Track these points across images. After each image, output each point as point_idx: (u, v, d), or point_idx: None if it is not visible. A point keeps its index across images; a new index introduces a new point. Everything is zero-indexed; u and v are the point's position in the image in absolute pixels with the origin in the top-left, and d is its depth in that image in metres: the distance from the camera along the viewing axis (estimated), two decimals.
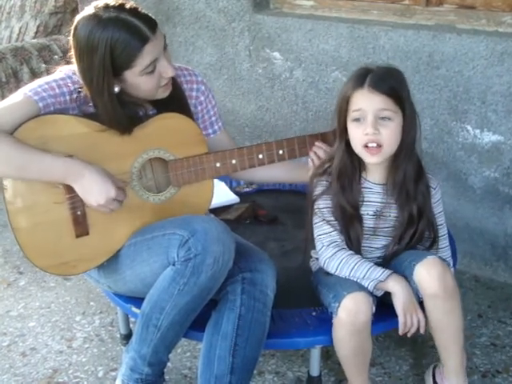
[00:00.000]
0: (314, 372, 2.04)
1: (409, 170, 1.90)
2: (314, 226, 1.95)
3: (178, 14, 3.36)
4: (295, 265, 2.24)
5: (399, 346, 2.39)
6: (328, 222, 1.93)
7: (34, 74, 3.39)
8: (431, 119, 2.74)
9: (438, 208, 2.00)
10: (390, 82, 1.85)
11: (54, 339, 2.49)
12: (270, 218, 2.57)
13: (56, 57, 3.51)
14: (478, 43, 2.55)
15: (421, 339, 2.36)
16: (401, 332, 1.84)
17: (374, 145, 1.83)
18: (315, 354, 2.00)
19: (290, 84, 3.11)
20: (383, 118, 1.83)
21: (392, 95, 1.83)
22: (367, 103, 1.82)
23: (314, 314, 1.99)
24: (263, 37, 3.11)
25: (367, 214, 1.94)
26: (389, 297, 1.86)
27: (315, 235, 1.95)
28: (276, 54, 3.10)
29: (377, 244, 1.98)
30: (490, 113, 2.60)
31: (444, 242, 2.02)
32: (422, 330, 1.84)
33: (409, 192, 1.91)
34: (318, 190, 1.96)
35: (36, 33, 3.82)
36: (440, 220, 2.00)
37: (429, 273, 1.82)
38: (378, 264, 1.94)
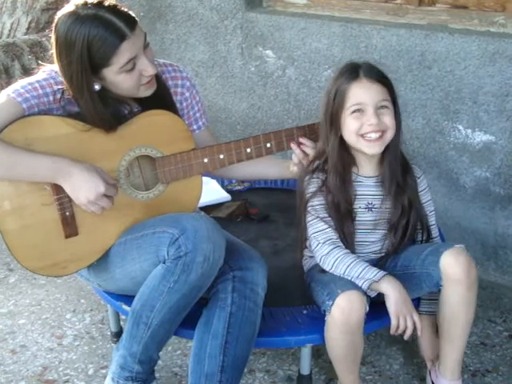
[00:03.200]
0: (305, 370, 2.04)
1: (397, 163, 1.93)
2: (308, 224, 1.95)
3: (170, 11, 3.35)
4: (287, 263, 2.24)
5: (390, 344, 2.39)
6: (322, 219, 1.93)
7: (26, 71, 3.37)
8: (423, 119, 2.75)
9: (425, 197, 2.02)
10: (381, 72, 1.89)
11: (44, 336, 2.48)
12: (261, 216, 2.57)
13: (47, 53, 3.49)
14: (470, 43, 2.55)
15: (411, 338, 2.36)
16: (392, 332, 1.83)
17: (377, 135, 1.85)
18: (306, 352, 2.01)
19: (282, 82, 3.11)
20: (381, 108, 1.86)
21: (386, 84, 1.88)
22: (367, 94, 1.85)
23: (304, 312, 1.99)
24: (256, 35, 3.11)
25: (359, 208, 1.95)
26: (382, 295, 1.86)
27: (310, 233, 1.94)
28: (269, 52, 3.10)
29: (372, 238, 1.98)
30: (482, 113, 2.61)
31: (434, 232, 2.05)
32: (418, 333, 1.83)
33: (399, 184, 1.94)
34: (312, 188, 1.95)
35: (28, 29, 3.80)
36: (427, 210, 2.02)
37: (457, 259, 1.83)
38: (374, 259, 1.96)
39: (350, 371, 1.97)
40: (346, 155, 1.93)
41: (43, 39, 3.61)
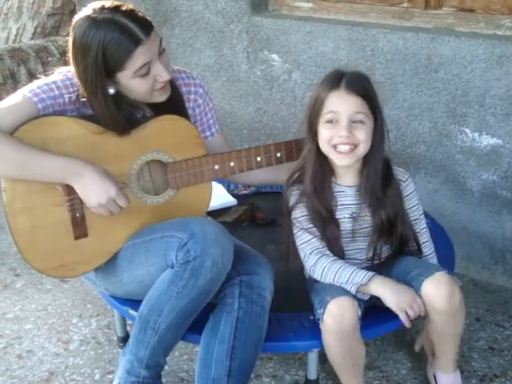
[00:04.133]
0: (312, 375, 2.04)
1: (376, 177, 1.89)
2: (295, 236, 1.94)
3: (176, 15, 3.35)
4: (293, 268, 2.23)
5: (397, 349, 2.38)
6: (306, 230, 1.92)
7: (32, 75, 3.38)
8: (430, 122, 2.74)
9: (412, 201, 1.98)
10: (365, 85, 1.86)
11: (50, 341, 2.48)
12: (267, 221, 2.56)
13: (53, 58, 3.50)
14: (476, 46, 2.55)
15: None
16: (408, 325, 1.82)
17: (347, 148, 1.83)
18: (312, 357, 2.00)
19: (288, 86, 3.11)
20: (356, 122, 1.82)
21: (366, 98, 1.83)
22: (342, 105, 1.82)
23: (311, 317, 1.98)
24: (261, 39, 3.11)
25: (344, 218, 1.93)
26: (379, 300, 1.86)
27: (297, 245, 1.94)
28: (274, 56, 3.10)
29: (361, 245, 1.96)
30: (489, 116, 2.60)
31: (425, 237, 2.02)
32: (422, 314, 1.82)
33: (379, 198, 1.90)
34: (292, 199, 1.95)
35: (33, 34, 3.82)
36: (415, 214, 1.99)
37: (438, 289, 1.81)
38: (367, 266, 1.94)
39: (352, 376, 1.96)
40: (323, 162, 1.91)
41: (49, 44, 3.63)
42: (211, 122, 2.14)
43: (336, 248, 1.92)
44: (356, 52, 2.84)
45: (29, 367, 2.35)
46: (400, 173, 1.97)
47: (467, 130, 2.67)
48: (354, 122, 1.82)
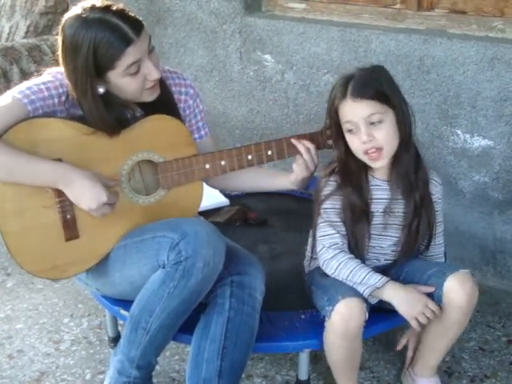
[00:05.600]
0: (303, 376, 2.04)
1: (409, 161, 1.91)
2: (317, 226, 1.93)
3: (169, 15, 3.35)
4: (285, 268, 2.24)
5: (388, 350, 2.39)
6: (331, 223, 1.91)
7: (24, 74, 3.37)
8: (422, 123, 2.74)
9: (440, 205, 2.01)
10: (371, 85, 1.83)
11: (41, 341, 2.48)
12: (259, 221, 2.57)
13: (46, 57, 3.50)
14: (468, 48, 2.56)
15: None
16: (418, 330, 1.87)
17: (374, 149, 1.83)
18: (304, 357, 2.00)
19: (281, 87, 3.11)
20: (374, 123, 1.82)
21: (376, 97, 1.82)
22: (354, 114, 1.82)
23: (303, 317, 1.99)
24: (254, 39, 3.11)
25: (377, 212, 1.93)
26: (382, 302, 1.87)
27: (317, 236, 1.93)
28: (267, 57, 3.10)
29: (386, 243, 1.97)
30: (480, 118, 2.61)
31: (440, 239, 2.04)
32: (437, 313, 1.83)
33: (411, 182, 1.92)
34: (327, 190, 1.93)
35: (26, 33, 3.81)
36: (440, 217, 2.02)
37: (462, 286, 1.83)
38: (384, 263, 1.96)
39: (348, 377, 1.97)
40: (356, 161, 1.90)
41: (42, 43, 3.61)
42: (200, 124, 2.13)
43: (359, 244, 1.93)
44: (349, 53, 2.84)
45: (19, 367, 2.34)
46: (435, 176, 2.00)
47: (459, 132, 2.68)
48: (373, 123, 1.82)
